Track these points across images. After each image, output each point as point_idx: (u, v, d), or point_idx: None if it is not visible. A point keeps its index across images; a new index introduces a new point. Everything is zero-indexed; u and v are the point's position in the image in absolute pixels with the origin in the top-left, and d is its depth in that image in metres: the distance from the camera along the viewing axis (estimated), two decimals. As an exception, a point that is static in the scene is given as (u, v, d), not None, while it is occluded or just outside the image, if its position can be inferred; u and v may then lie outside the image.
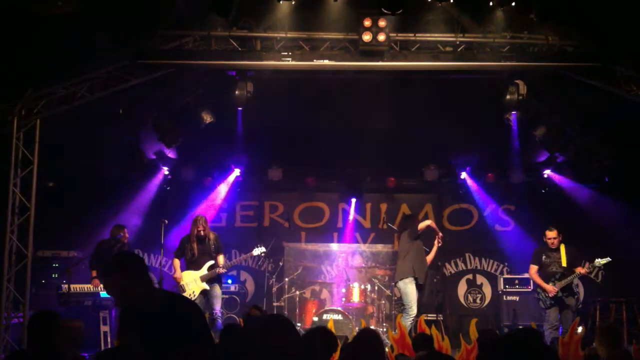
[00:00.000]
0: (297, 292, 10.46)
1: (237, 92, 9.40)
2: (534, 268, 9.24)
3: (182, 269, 9.25)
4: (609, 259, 9.08)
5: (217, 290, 9.13)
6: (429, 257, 9.35)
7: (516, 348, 4.27)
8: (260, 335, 3.72)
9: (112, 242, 9.57)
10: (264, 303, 10.66)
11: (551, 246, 9.08)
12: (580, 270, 8.92)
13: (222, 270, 9.18)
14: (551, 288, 8.95)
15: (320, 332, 4.59)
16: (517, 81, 9.56)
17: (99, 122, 9.93)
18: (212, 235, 9.35)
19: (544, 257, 9.15)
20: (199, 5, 8.54)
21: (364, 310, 10.49)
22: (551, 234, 9.05)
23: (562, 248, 9.15)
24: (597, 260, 9.16)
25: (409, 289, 8.93)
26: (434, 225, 9.34)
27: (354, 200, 11.88)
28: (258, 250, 9.47)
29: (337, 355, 4.89)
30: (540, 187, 11.65)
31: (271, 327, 3.79)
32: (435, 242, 9.31)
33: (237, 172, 11.63)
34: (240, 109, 10.14)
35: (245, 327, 5.73)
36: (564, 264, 9.00)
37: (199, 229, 9.17)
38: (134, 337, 3.58)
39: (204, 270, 9.05)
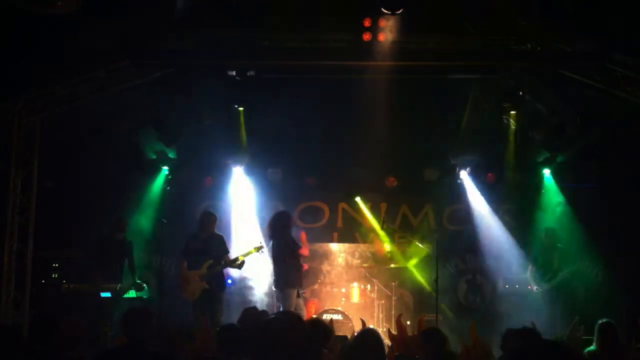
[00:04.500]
0: (300, 293, 10.43)
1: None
2: (530, 268, 9.77)
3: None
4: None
5: (219, 297, 9.09)
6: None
7: (516, 348, 4.28)
8: (257, 334, 3.73)
9: (113, 241, 9.56)
10: (263, 303, 10.65)
11: (547, 246, 9.58)
12: (563, 276, 9.45)
13: (218, 268, 9.15)
14: (536, 288, 9.54)
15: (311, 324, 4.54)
16: (517, 81, 9.57)
17: (99, 121, 9.93)
18: (217, 236, 9.33)
19: (539, 256, 9.64)
20: (199, 5, 8.55)
21: (364, 310, 10.50)
22: (546, 235, 9.73)
23: (557, 250, 9.64)
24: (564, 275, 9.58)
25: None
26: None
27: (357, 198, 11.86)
28: (256, 247, 9.45)
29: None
30: (540, 187, 11.64)
31: (271, 326, 3.79)
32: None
33: (237, 171, 11.62)
34: (241, 108, 10.19)
35: (240, 326, 5.74)
36: (556, 265, 9.49)
37: (205, 225, 9.16)
38: None
39: (203, 270, 9.03)
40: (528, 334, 4.75)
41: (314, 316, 9.37)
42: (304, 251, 9.49)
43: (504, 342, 5.33)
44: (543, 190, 11.60)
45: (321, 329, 4.39)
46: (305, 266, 9.71)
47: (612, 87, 8.93)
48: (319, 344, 4.09)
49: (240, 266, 9.33)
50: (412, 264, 11.11)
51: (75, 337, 5.51)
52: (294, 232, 9.71)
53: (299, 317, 3.61)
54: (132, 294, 9.22)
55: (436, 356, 4.82)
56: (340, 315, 9.99)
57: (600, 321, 6.19)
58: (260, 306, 10.01)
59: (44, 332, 4.78)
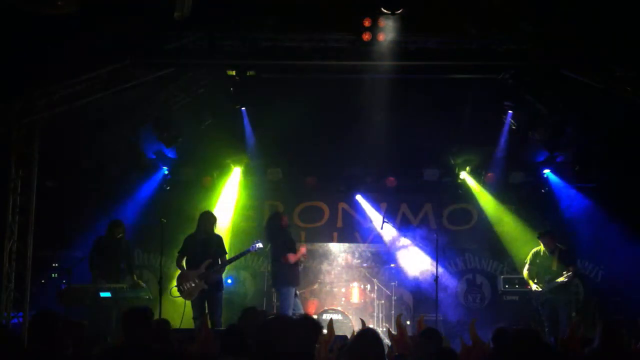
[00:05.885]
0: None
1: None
2: (526, 267, 9.92)
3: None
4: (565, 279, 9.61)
5: (218, 297, 9.10)
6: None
7: (516, 348, 4.28)
8: (258, 335, 3.75)
9: (113, 241, 9.57)
10: (263, 303, 10.66)
11: (546, 248, 9.74)
12: (562, 278, 9.57)
13: (221, 270, 9.18)
14: (535, 287, 9.73)
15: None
16: (517, 81, 9.58)
17: (99, 121, 9.94)
18: (216, 237, 9.34)
19: (537, 259, 9.80)
20: (199, 5, 8.54)
21: (364, 310, 10.51)
22: (546, 238, 9.81)
23: (557, 251, 9.74)
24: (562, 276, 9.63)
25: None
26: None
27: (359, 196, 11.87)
28: (255, 247, 9.49)
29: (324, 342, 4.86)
30: (540, 187, 11.65)
31: (270, 327, 3.81)
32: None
33: (237, 171, 11.63)
34: (243, 108, 10.23)
35: (240, 326, 5.74)
36: (554, 267, 9.63)
37: (205, 225, 9.19)
38: None
39: (201, 270, 9.03)
40: (527, 334, 4.74)
41: (303, 312, 9.42)
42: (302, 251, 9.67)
43: (498, 341, 5.32)
44: (543, 190, 11.62)
45: (311, 325, 4.39)
46: (303, 249, 9.71)
47: (612, 87, 8.92)
48: (312, 341, 4.10)
49: (220, 270, 9.33)
50: None
51: (75, 337, 5.51)
52: (293, 234, 9.83)
53: (296, 317, 3.63)
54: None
55: (435, 356, 4.82)
56: (340, 315, 10.00)
57: (604, 320, 6.19)
58: (260, 306, 10.04)
59: (44, 331, 4.78)
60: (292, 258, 9.42)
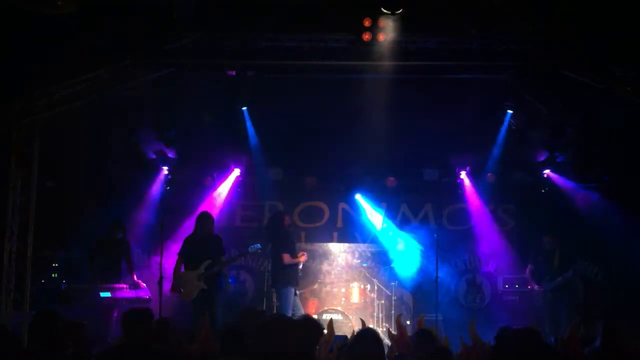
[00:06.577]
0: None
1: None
2: (528, 267, 10.07)
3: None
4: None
5: (218, 297, 9.10)
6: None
7: (516, 348, 4.29)
8: (258, 335, 3.76)
9: (113, 241, 9.58)
10: (263, 303, 10.66)
11: (547, 247, 9.81)
12: (567, 273, 9.66)
13: (220, 271, 9.17)
14: (537, 287, 9.83)
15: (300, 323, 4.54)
16: (517, 81, 9.58)
17: (99, 121, 9.94)
18: (214, 237, 9.35)
19: (539, 259, 9.91)
20: (199, 5, 8.55)
21: (364, 310, 10.51)
22: (547, 238, 9.90)
23: (558, 250, 9.83)
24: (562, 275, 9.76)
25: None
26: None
27: (358, 195, 11.86)
28: (253, 248, 9.50)
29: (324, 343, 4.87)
30: (540, 187, 11.65)
31: (270, 327, 3.81)
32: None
33: (237, 171, 11.64)
34: (245, 108, 10.24)
35: (240, 326, 5.75)
36: (555, 267, 9.73)
37: (203, 226, 9.20)
38: None
39: (201, 270, 9.04)
40: (527, 334, 4.74)
41: (304, 313, 9.43)
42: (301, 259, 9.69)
43: (500, 341, 5.33)
44: (543, 190, 11.63)
45: (312, 325, 4.40)
46: (303, 258, 9.70)
47: (612, 87, 8.92)
48: (312, 341, 4.11)
49: (220, 271, 9.32)
50: None
51: (75, 337, 5.50)
52: (293, 234, 9.82)
53: (296, 318, 3.64)
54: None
55: (432, 355, 4.83)
56: (340, 315, 10.01)
57: (604, 320, 6.18)
58: (260, 306, 10.05)
59: (44, 331, 4.79)
60: (286, 259, 9.41)
